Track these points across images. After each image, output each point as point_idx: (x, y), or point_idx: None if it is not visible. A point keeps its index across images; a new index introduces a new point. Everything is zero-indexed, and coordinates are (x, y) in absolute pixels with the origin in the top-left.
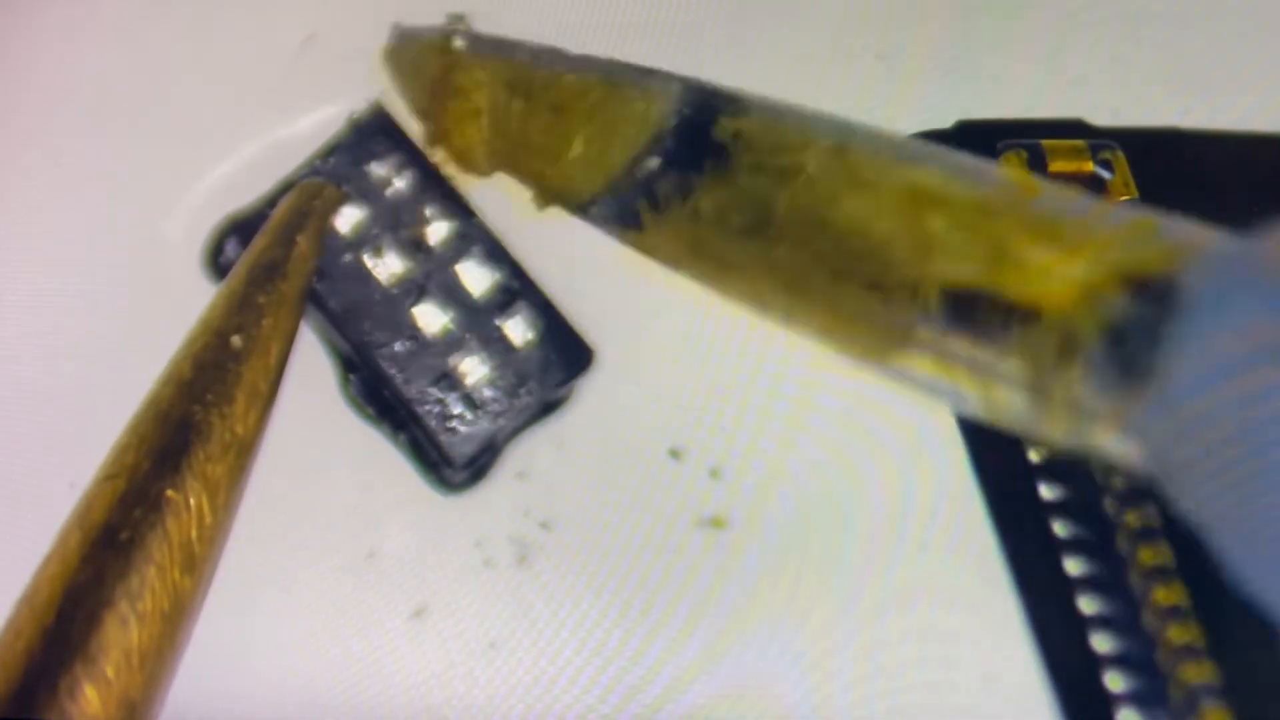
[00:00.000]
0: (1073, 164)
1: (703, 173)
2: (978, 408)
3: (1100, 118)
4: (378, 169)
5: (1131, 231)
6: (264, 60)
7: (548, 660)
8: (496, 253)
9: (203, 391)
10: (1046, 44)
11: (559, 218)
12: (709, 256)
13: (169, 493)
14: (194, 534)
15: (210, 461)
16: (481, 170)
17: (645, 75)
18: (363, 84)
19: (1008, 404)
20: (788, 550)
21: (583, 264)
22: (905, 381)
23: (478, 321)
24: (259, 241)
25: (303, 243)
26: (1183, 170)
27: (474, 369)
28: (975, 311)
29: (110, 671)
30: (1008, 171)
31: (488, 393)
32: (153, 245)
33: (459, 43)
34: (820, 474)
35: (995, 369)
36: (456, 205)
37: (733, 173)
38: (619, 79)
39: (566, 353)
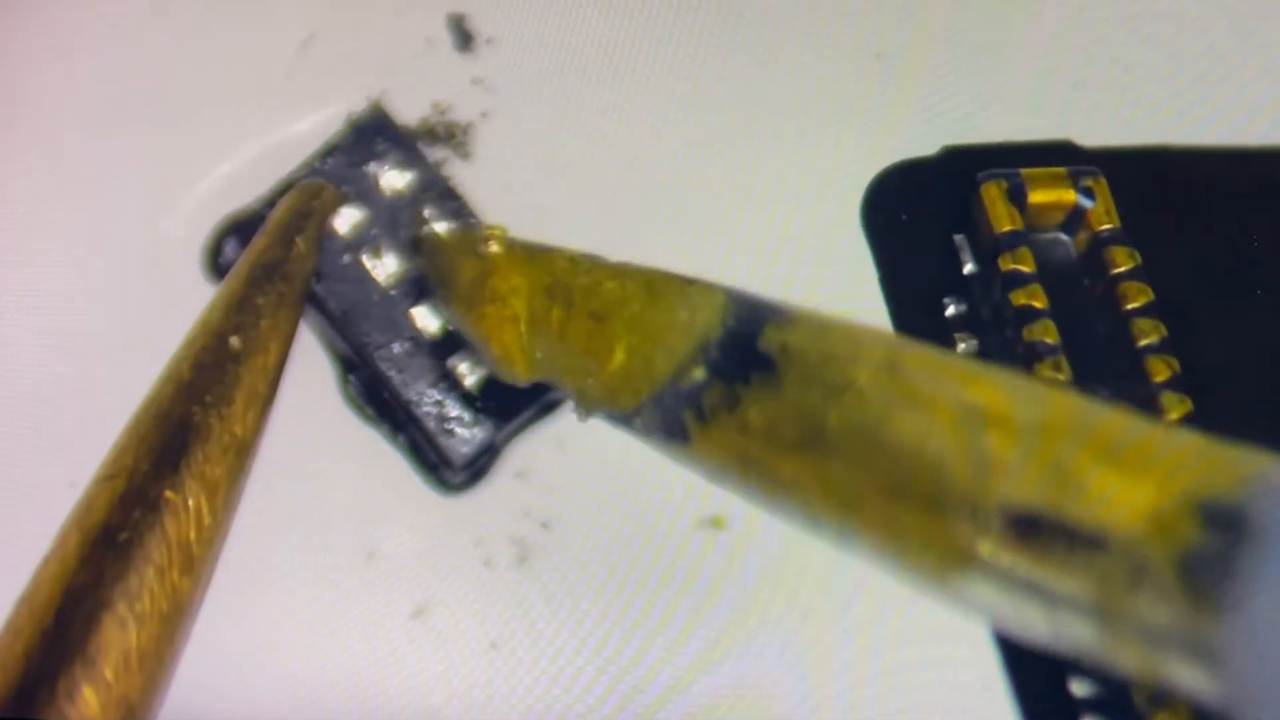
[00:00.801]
0: (1054, 193)
1: (750, 385)
2: (1043, 633)
3: (1089, 139)
4: (376, 169)
5: (1200, 456)
6: (264, 60)
7: (548, 660)
8: None
9: (202, 392)
10: (1033, 67)
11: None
12: (758, 470)
13: (168, 493)
14: (193, 535)
15: (209, 462)
16: (520, 377)
17: (688, 284)
18: (363, 84)
19: (1075, 631)
20: (787, 550)
21: None
22: (966, 605)
23: None
24: (258, 242)
25: (301, 244)
26: (1170, 189)
27: (472, 370)
28: (1039, 535)
29: (109, 673)
30: (1067, 393)
31: (487, 394)
32: (153, 245)
33: (494, 246)
34: None
35: (1061, 594)
36: (455, 205)
37: (781, 386)
38: (660, 288)
39: None
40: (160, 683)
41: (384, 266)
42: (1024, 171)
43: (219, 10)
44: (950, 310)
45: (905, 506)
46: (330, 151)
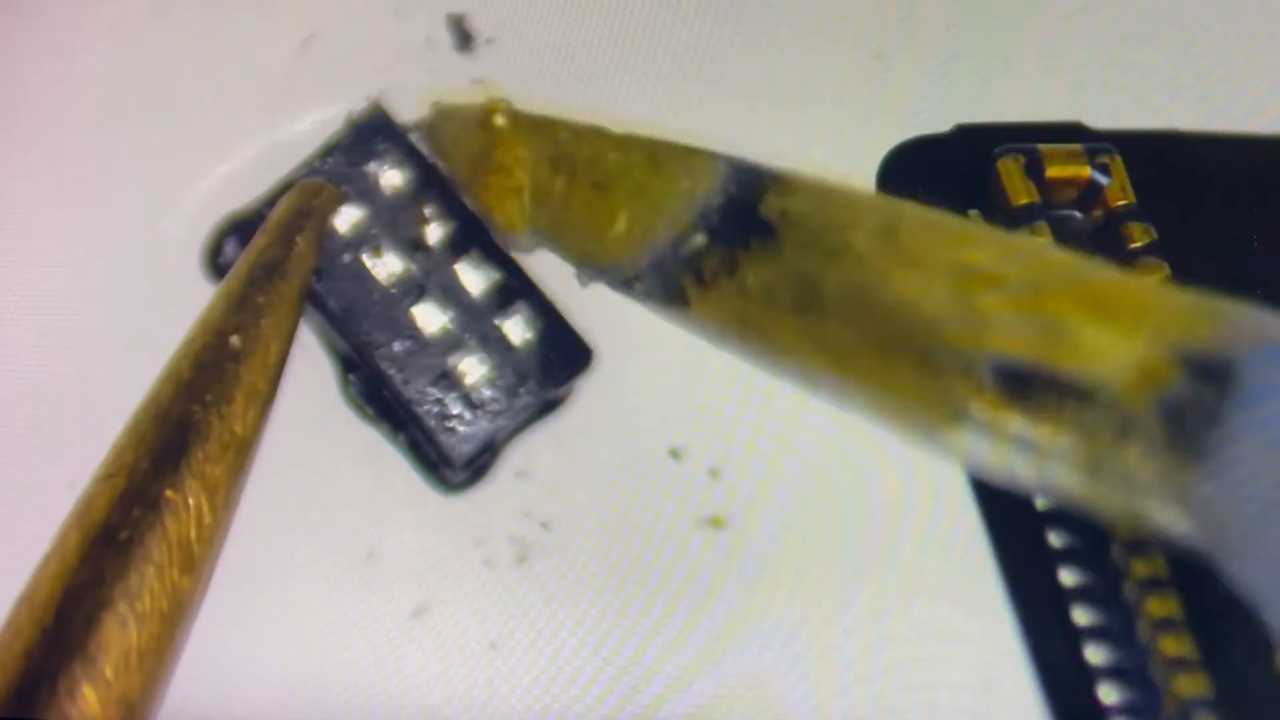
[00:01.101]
0: (1069, 169)
1: (749, 250)
2: (1031, 483)
3: (1099, 121)
4: (376, 168)
5: (1188, 310)
6: (264, 60)
7: (548, 660)
8: (495, 252)
9: (202, 391)
10: (1044, 47)
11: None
12: (756, 333)
13: (168, 492)
14: (193, 534)
15: (209, 461)
16: (524, 246)
17: (690, 153)
18: (362, 84)
19: (1062, 480)
20: (787, 550)
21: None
22: (957, 457)
23: (477, 321)
24: (258, 241)
25: (302, 243)
26: (1181, 173)
27: (473, 369)
28: (1029, 389)
29: (109, 672)
30: (1061, 250)
31: (487, 392)
32: (153, 245)
33: (500, 120)
34: (819, 474)
35: (1049, 446)
36: (455, 205)
37: (780, 250)
38: (663, 157)
39: (566, 352)
40: (160, 682)
41: (384, 265)
42: (1040, 147)
43: (219, 10)
44: None
45: (900, 364)
46: (330, 151)
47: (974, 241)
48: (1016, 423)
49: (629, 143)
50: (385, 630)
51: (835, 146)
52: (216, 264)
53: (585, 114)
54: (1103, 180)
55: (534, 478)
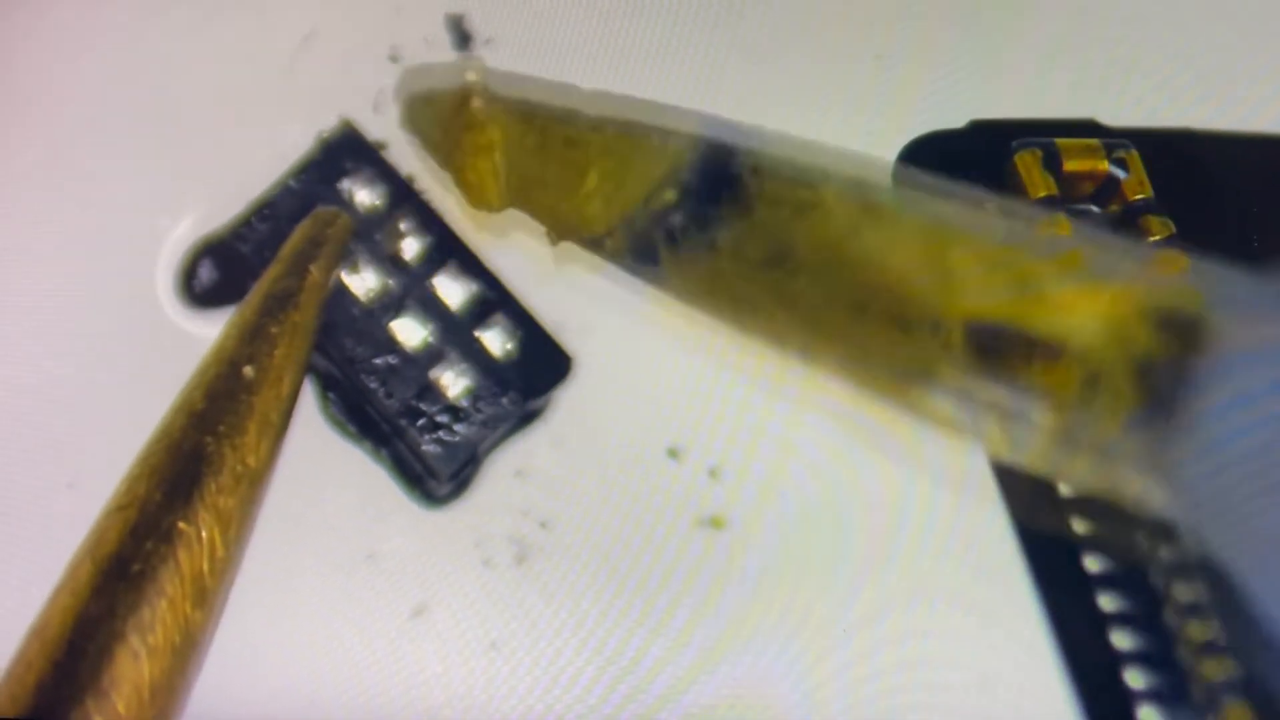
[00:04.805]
0: (1087, 163)
1: (720, 207)
2: (1000, 447)
3: (1109, 119)
4: (349, 186)
5: (1157, 269)
6: (263, 59)
7: (548, 660)
8: (472, 265)
9: (215, 422)
10: (1051, 44)
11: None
12: (727, 292)
13: (180, 524)
14: (205, 566)
15: (222, 493)
16: (494, 205)
17: (660, 111)
18: (362, 83)
19: (1031, 443)
20: (787, 550)
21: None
22: (927, 419)
23: (457, 334)
24: (272, 271)
25: (315, 272)
26: (1197, 170)
27: (455, 381)
28: (998, 347)
29: (121, 706)
30: (1031, 208)
31: (470, 404)
32: (153, 245)
33: (472, 77)
34: (819, 474)
35: (1018, 407)
36: (430, 219)
37: (750, 207)
38: (635, 114)
39: (546, 361)
40: (172, 715)
41: (363, 281)
42: (1058, 141)
43: (219, 10)
44: None
45: (869, 322)
46: (302, 170)
47: (945, 196)
48: (986, 381)
49: (600, 99)
50: (385, 630)
51: (847, 145)
52: (190, 287)
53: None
54: (1120, 174)
55: (532, 477)
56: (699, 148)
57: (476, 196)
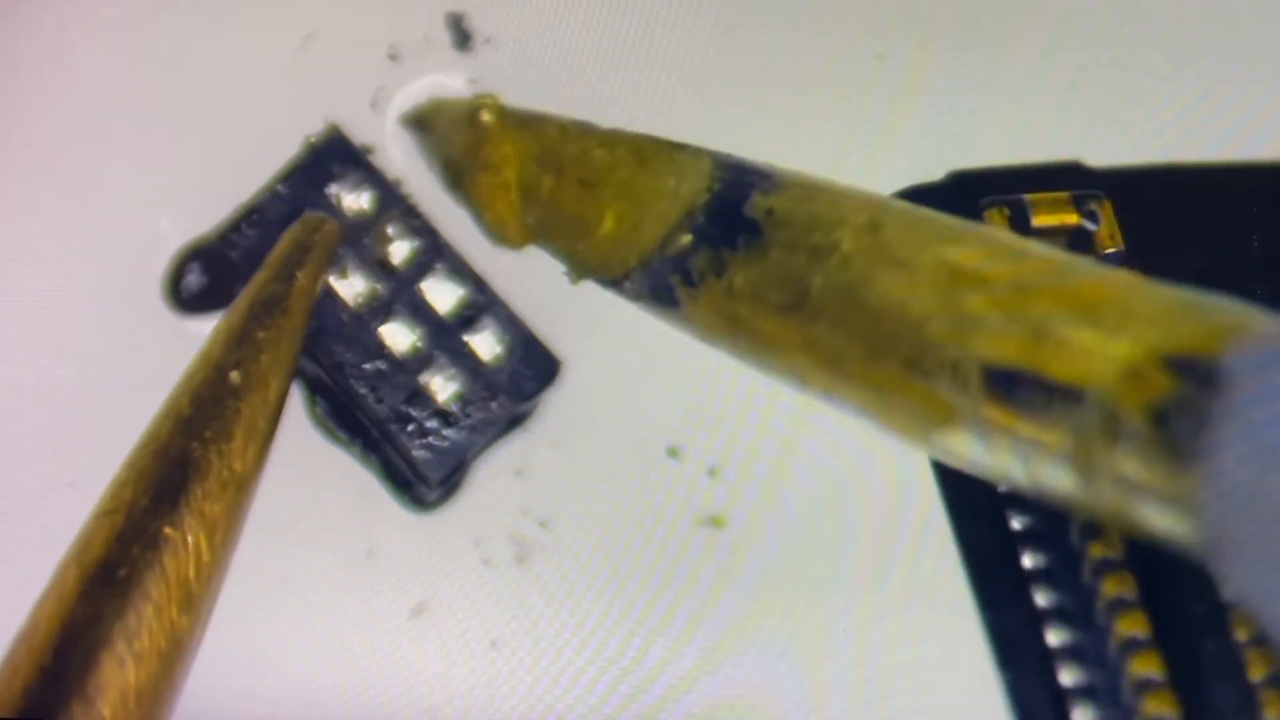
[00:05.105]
0: (1057, 216)
1: (736, 249)
2: (1023, 484)
3: (1097, 156)
4: (337, 190)
5: (1174, 310)
6: (262, 58)
7: (549, 660)
8: (460, 268)
9: (201, 427)
10: (1035, 86)
11: None
12: (746, 333)
13: (167, 530)
14: (192, 572)
15: (208, 499)
16: (514, 243)
17: (676, 150)
18: (361, 82)
19: (1053, 481)
20: (788, 551)
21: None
22: (948, 458)
23: (446, 338)
24: (259, 276)
25: (303, 278)
26: (1177, 211)
27: (444, 386)
28: (1017, 390)
29: (107, 712)
30: (1048, 249)
31: (459, 409)
32: (153, 244)
33: (487, 116)
34: (820, 474)
35: (1039, 447)
36: (417, 223)
37: (767, 250)
38: (649, 154)
39: (535, 365)
40: None
41: (350, 286)
42: (1027, 196)
43: (218, 10)
44: None
45: (888, 365)
46: (289, 174)
47: (960, 240)
48: (1004, 424)
49: (615, 139)
50: (384, 629)
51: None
52: (177, 292)
53: (582, 113)
54: (1091, 227)
55: (532, 477)
56: (714, 189)
57: (496, 234)
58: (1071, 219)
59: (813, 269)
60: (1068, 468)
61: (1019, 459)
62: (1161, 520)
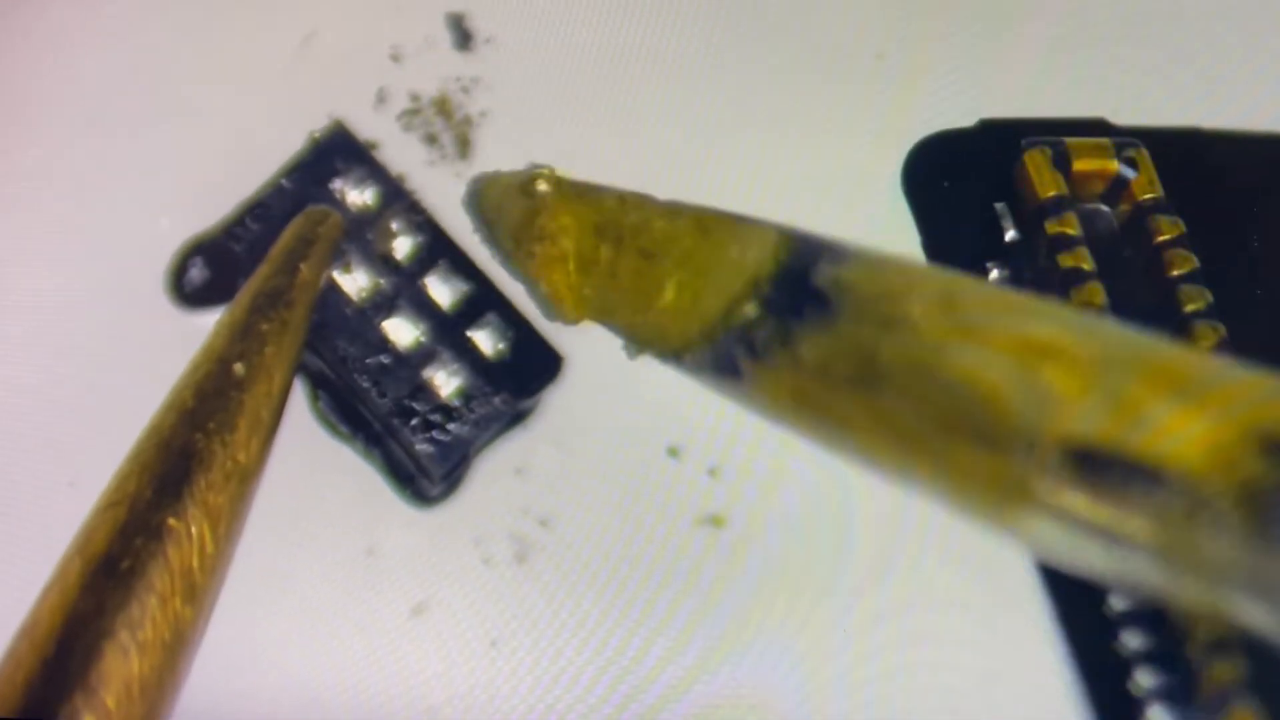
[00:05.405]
0: (1097, 162)
1: (803, 321)
2: (1104, 570)
3: (1118, 118)
4: (341, 186)
5: (1265, 391)
6: (263, 58)
7: (549, 659)
8: (463, 264)
9: (205, 419)
10: (1054, 44)
11: None
12: (813, 407)
13: (170, 521)
14: (195, 563)
15: (212, 490)
16: (570, 318)
17: (739, 221)
18: (361, 82)
19: (1135, 567)
20: (788, 550)
21: None
22: (1025, 542)
23: (448, 333)
24: (262, 269)
25: (306, 271)
26: (1206, 169)
27: (448, 381)
28: (1097, 470)
29: (110, 702)
30: (1124, 327)
31: (462, 404)
32: (156, 239)
33: (544, 186)
34: (821, 473)
35: (1119, 531)
36: (421, 218)
37: (835, 322)
38: (711, 225)
39: (537, 361)
40: (162, 712)
41: (355, 281)
42: (1067, 140)
43: (219, 10)
44: (994, 275)
45: (961, 443)
46: (293, 170)
47: (1036, 314)
48: (1084, 505)
49: (676, 210)
50: (385, 628)
51: (851, 145)
52: (180, 286)
53: (582, 113)
54: (1130, 174)
55: (533, 476)
56: (780, 260)
57: (553, 309)
58: (1111, 165)
59: (882, 341)
60: (1151, 553)
61: (1099, 543)
62: (1250, 610)
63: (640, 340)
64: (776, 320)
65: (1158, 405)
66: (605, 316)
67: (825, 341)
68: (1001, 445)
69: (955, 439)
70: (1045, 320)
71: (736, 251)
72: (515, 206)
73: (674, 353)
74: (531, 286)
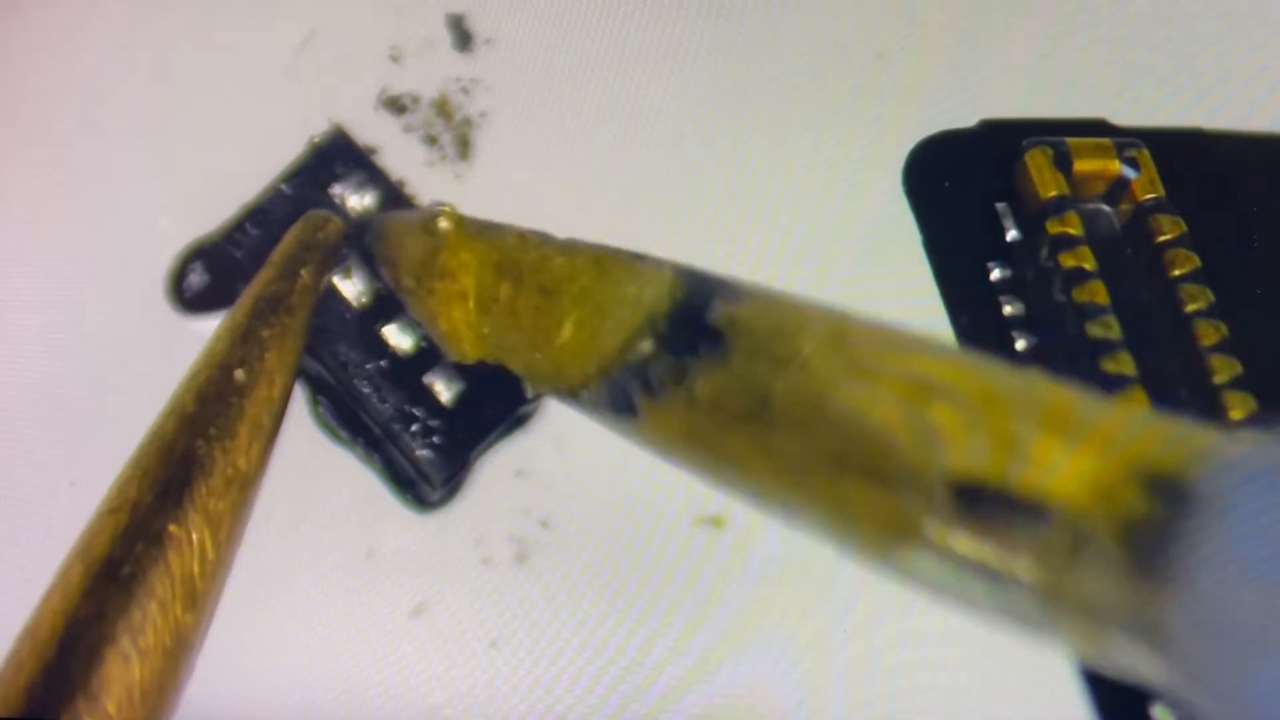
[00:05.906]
0: (1098, 162)
1: (697, 357)
2: (986, 609)
3: (1119, 118)
4: (341, 190)
5: (1145, 430)
6: (263, 58)
7: (549, 660)
8: None
9: (205, 425)
10: (1054, 44)
11: None
12: (705, 444)
13: (171, 527)
14: (196, 569)
15: (212, 496)
16: (467, 355)
17: (636, 259)
18: (361, 83)
19: (1018, 606)
20: (788, 551)
21: None
22: (911, 582)
23: None
24: (263, 274)
25: (306, 276)
26: (1208, 170)
27: (447, 386)
28: (982, 506)
29: (111, 708)
30: (1011, 366)
31: (462, 409)
32: (154, 244)
33: (444, 224)
34: None
35: (1004, 568)
36: None
37: (728, 358)
38: (609, 264)
39: None
40: (162, 717)
41: (354, 286)
42: (1068, 140)
43: (219, 10)
44: (995, 275)
45: (849, 479)
46: (293, 174)
47: (924, 352)
48: (969, 542)
49: (574, 248)
50: (385, 629)
51: (851, 145)
52: (180, 291)
53: (582, 113)
54: (1131, 174)
55: (533, 476)
56: (676, 297)
57: (450, 346)
58: (1113, 165)
59: (774, 378)
60: (1035, 590)
61: (982, 579)
62: (1131, 650)
63: (538, 378)
64: (672, 357)
65: (1041, 442)
66: (503, 354)
67: (719, 378)
68: (890, 482)
69: (845, 476)
70: (933, 358)
71: (634, 289)
72: (417, 244)
73: (571, 390)
74: (430, 324)
